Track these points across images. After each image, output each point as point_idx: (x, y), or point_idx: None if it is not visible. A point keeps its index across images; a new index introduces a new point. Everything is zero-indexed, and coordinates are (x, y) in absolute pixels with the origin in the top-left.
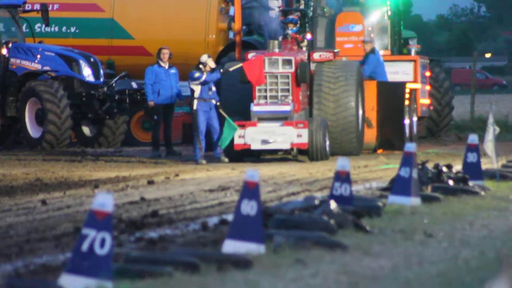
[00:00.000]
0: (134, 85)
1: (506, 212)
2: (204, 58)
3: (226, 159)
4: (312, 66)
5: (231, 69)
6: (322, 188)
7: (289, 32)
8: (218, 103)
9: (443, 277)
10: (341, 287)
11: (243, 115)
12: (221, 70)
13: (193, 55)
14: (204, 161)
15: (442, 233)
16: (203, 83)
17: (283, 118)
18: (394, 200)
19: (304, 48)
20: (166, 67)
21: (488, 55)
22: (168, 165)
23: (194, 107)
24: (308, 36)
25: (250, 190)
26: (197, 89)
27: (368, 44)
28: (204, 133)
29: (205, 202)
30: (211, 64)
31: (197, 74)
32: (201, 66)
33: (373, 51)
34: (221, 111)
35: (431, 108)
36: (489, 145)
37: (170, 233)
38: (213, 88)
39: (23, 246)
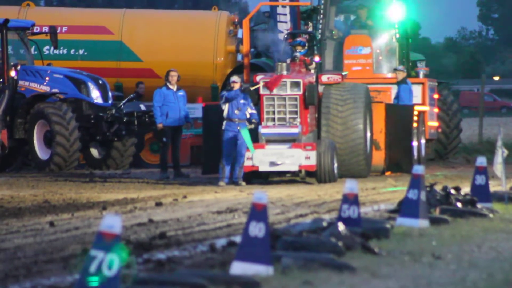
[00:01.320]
0: (142, 107)
1: None
2: (232, 77)
3: (244, 183)
4: (320, 88)
5: (252, 88)
6: (330, 210)
7: (297, 54)
8: (252, 126)
9: None
10: None
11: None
12: (242, 89)
13: (201, 78)
14: (222, 183)
15: (450, 255)
16: (226, 101)
17: (291, 140)
18: (402, 222)
19: (312, 71)
20: (175, 89)
21: (496, 78)
22: (176, 187)
23: (222, 127)
24: (316, 58)
25: (258, 212)
26: (225, 108)
27: (400, 72)
28: (228, 155)
29: (213, 224)
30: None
31: (223, 93)
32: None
33: (404, 81)
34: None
35: (439, 130)
36: (498, 168)
37: (178, 255)
38: (250, 111)
39: (31, 267)
